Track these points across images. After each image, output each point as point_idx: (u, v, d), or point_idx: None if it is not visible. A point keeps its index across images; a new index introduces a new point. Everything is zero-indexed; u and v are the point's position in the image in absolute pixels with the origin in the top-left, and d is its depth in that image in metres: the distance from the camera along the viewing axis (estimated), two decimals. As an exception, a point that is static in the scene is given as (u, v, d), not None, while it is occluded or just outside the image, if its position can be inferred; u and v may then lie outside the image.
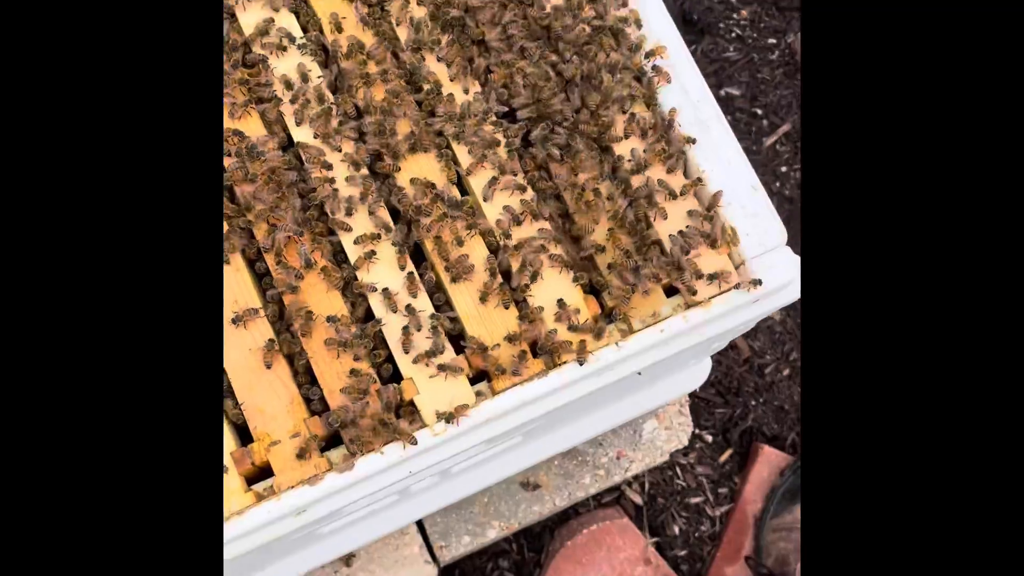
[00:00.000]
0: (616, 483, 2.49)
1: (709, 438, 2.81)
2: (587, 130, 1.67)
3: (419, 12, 1.72)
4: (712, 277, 1.59)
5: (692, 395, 2.76)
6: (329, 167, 1.62)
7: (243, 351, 1.53)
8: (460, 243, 1.59)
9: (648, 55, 1.71)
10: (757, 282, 1.56)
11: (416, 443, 1.47)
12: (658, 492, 2.73)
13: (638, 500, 2.69)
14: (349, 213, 1.61)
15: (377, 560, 2.31)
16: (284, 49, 1.68)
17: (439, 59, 1.71)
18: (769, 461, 2.72)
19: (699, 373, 2.23)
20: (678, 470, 2.76)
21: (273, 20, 1.70)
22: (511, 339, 1.55)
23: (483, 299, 1.57)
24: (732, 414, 2.83)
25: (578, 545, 2.50)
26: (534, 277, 1.59)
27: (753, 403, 2.85)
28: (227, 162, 1.60)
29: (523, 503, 2.41)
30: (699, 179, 1.65)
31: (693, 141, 1.67)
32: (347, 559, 2.29)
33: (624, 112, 1.68)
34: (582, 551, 2.50)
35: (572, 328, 1.56)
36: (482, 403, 1.51)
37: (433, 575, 2.33)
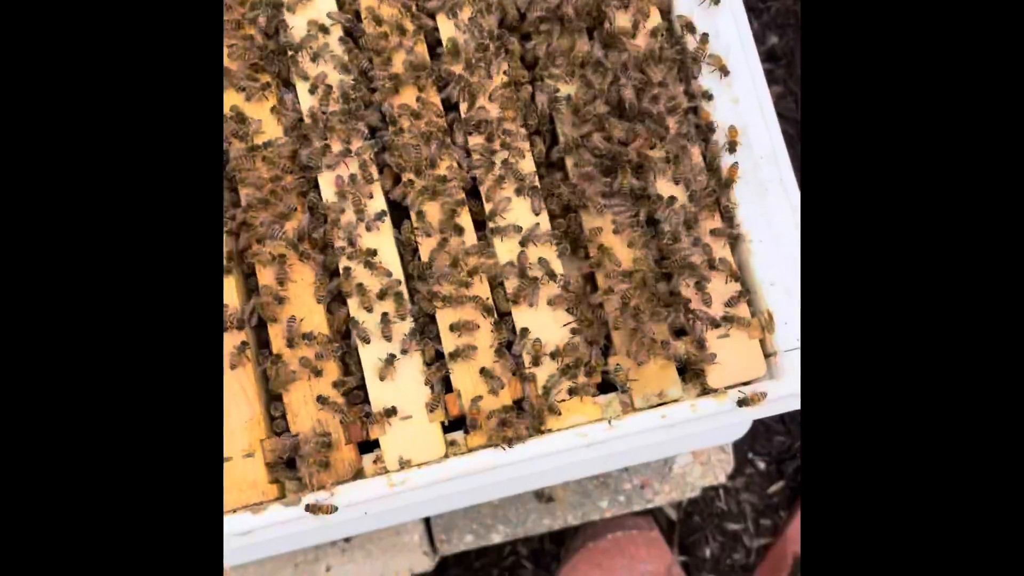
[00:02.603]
0: (635, 511, 2.33)
1: (762, 465, 2.59)
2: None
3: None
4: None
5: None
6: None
7: (215, 354, 1.45)
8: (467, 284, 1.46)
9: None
10: (763, 395, 1.37)
11: (336, 510, 1.37)
12: (696, 510, 2.55)
13: (672, 515, 2.53)
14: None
15: (376, 541, 2.25)
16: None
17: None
18: (823, 504, 2.49)
19: (737, 428, 2.03)
20: (721, 492, 2.57)
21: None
22: (496, 392, 1.42)
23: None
24: (791, 444, 2.59)
25: (600, 549, 2.36)
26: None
27: (817, 437, 2.61)
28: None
29: (533, 513, 2.30)
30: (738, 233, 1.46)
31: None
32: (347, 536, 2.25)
33: (669, 161, 1.48)
34: (602, 555, 2.37)
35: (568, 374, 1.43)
36: (452, 460, 1.39)
37: (429, 565, 2.26)
